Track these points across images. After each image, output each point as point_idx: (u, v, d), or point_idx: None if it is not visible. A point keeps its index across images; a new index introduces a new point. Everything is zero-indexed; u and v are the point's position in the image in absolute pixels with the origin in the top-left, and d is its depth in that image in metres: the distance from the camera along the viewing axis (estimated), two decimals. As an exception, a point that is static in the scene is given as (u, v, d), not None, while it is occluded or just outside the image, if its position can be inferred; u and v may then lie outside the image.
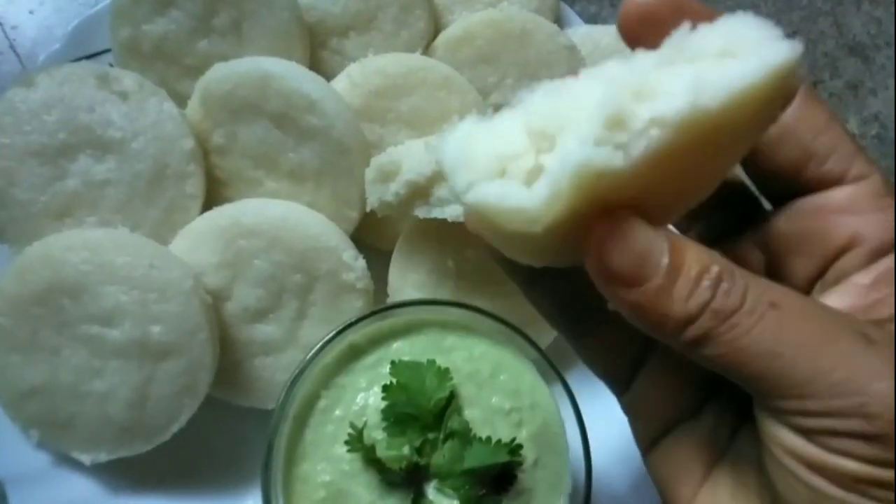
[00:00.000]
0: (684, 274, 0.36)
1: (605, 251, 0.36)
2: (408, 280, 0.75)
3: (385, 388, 0.64)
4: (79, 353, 0.65)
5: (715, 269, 0.37)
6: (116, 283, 0.64)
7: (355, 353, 0.68)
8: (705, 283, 0.36)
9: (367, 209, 0.72)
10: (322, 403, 0.66)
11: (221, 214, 0.70)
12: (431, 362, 0.65)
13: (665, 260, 0.36)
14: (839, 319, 0.38)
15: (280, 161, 0.72)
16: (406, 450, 0.62)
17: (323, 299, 0.71)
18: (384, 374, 0.66)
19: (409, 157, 0.68)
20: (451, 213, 0.67)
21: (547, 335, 0.77)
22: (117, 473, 0.71)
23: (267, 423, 0.74)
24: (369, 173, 0.70)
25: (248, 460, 0.76)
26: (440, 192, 0.67)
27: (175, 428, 0.67)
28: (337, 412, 0.66)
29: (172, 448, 0.69)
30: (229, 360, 0.70)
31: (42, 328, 0.65)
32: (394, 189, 0.67)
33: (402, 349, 0.68)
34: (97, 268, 0.64)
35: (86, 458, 0.67)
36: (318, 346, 0.65)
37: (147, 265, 0.64)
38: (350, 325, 0.66)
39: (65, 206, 0.69)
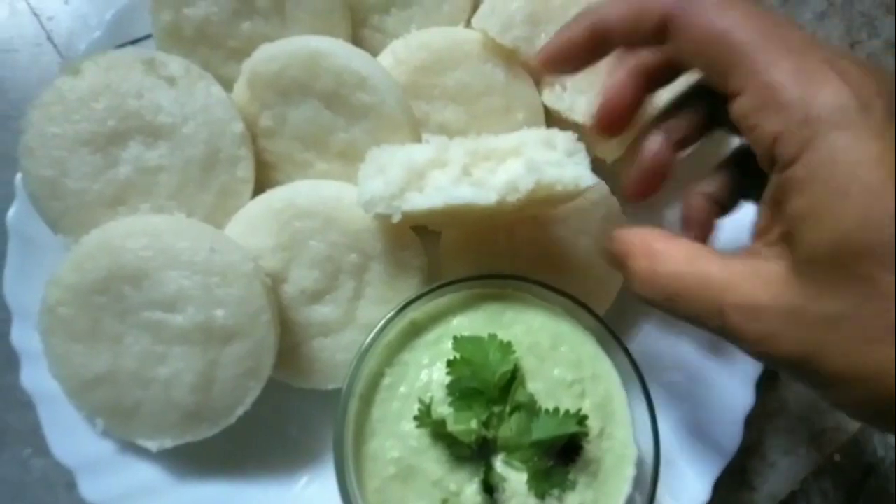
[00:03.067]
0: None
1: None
2: (461, 259, 0.75)
3: (449, 364, 0.64)
4: (142, 339, 0.65)
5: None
6: (178, 268, 0.63)
7: (416, 331, 0.68)
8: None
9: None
10: (387, 381, 0.66)
11: (275, 197, 0.69)
12: (493, 336, 0.65)
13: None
14: None
15: (330, 141, 0.71)
16: (474, 424, 0.62)
17: (379, 278, 0.70)
18: (446, 350, 0.66)
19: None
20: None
21: (603, 307, 0.77)
22: (183, 459, 0.71)
23: (325, 404, 0.74)
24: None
25: (304, 439, 0.76)
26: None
27: (240, 411, 0.67)
28: (401, 389, 0.66)
29: (233, 431, 0.69)
30: (288, 342, 0.70)
31: (104, 316, 0.65)
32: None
33: (461, 325, 0.68)
34: (158, 253, 0.64)
35: (152, 445, 0.68)
36: (382, 323, 0.65)
37: (208, 249, 0.64)
38: (411, 302, 0.66)
39: (118, 194, 0.69)
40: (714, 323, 0.50)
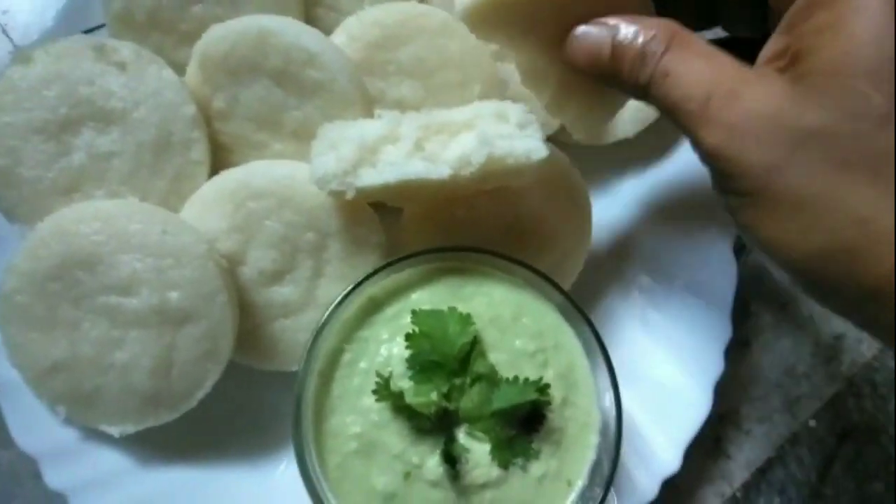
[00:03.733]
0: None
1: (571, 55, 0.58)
2: (423, 234, 0.74)
3: (408, 337, 0.63)
4: (98, 325, 0.65)
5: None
6: (131, 252, 0.63)
7: (375, 306, 0.67)
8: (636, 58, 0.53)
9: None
10: (346, 357, 0.66)
11: (229, 178, 0.69)
12: (452, 309, 0.65)
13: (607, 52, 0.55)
14: None
15: (283, 121, 0.71)
16: (434, 396, 0.62)
17: (337, 256, 0.70)
18: (405, 324, 0.65)
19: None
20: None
21: (568, 280, 0.76)
22: (147, 444, 0.71)
23: (292, 385, 0.74)
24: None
25: (277, 423, 0.75)
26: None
27: (200, 394, 0.67)
28: (361, 364, 0.65)
29: (200, 416, 0.68)
30: (249, 324, 0.70)
31: (59, 303, 0.65)
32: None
33: (421, 299, 0.68)
34: (110, 237, 0.63)
35: (114, 431, 0.67)
36: (337, 300, 0.65)
37: (160, 231, 0.63)
38: (367, 277, 0.66)
39: (72, 182, 0.68)
40: (693, 105, 0.49)
